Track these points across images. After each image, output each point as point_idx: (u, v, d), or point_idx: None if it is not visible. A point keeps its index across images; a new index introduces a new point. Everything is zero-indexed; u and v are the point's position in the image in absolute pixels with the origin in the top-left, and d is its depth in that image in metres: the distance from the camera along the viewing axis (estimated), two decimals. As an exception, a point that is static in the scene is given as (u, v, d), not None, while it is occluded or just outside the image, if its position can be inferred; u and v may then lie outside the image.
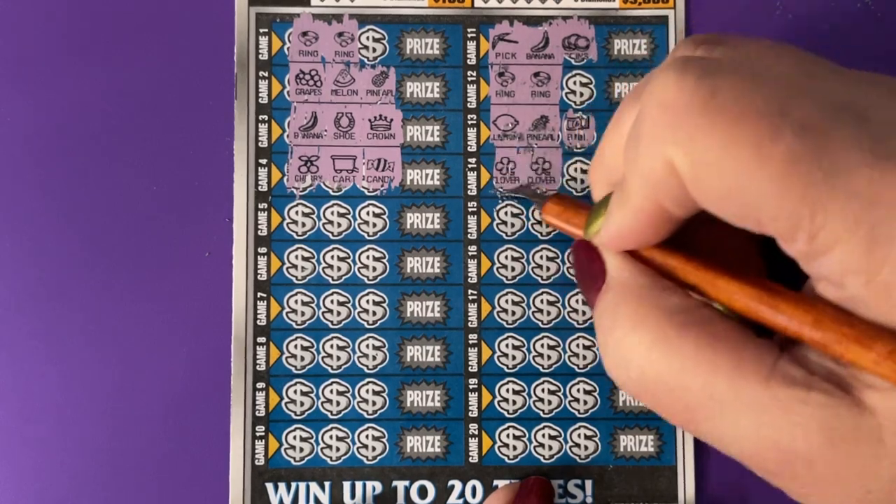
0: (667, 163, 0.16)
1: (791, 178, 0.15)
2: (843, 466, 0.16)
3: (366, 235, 0.28)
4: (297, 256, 0.28)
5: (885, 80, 0.17)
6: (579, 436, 0.28)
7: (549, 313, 0.28)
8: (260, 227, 0.28)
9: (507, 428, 0.28)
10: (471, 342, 0.28)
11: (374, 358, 0.28)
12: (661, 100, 0.16)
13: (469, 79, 0.29)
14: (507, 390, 0.28)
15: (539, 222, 0.28)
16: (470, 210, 0.28)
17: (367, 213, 0.28)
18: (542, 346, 0.28)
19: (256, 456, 0.27)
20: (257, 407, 0.28)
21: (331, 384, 0.28)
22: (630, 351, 0.18)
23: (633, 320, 0.18)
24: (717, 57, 0.17)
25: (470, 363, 0.28)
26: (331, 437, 0.28)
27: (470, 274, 0.28)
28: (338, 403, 0.28)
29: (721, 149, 0.15)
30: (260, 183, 0.28)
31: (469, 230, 0.28)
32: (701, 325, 0.17)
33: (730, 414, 0.17)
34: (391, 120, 0.29)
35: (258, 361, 0.28)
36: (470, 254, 0.28)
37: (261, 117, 0.28)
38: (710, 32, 0.23)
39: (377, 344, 0.28)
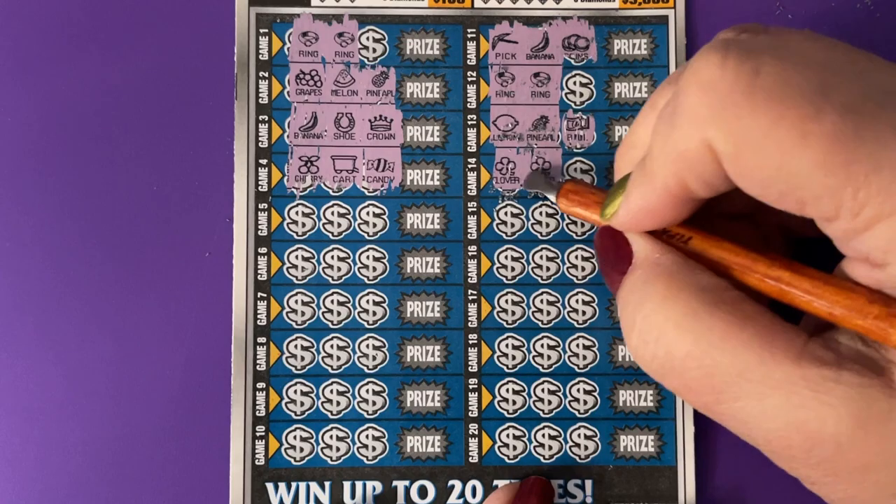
0: (704, 143, 0.16)
1: (834, 155, 0.15)
2: (873, 451, 0.15)
3: (366, 235, 0.28)
4: (297, 256, 0.28)
5: None
6: (579, 436, 0.28)
7: (549, 313, 0.28)
8: (260, 227, 0.28)
9: (507, 428, 0.28)
10: (471, 342, 0.28)
11: (374, 358, 0.28)
12: (703, 79, 0.16)
13: (469, 79, 0.29)
14: (507, 390, 0.28)
15: (539, 222, 0.28)
16: (470, 210, 0.28)
17: (367, 214, 0.28)
18: (542, 346, 0.28)
19: (256, 456, 0.27)
20: (257, 407, 0.28)
21: (331, 384, 0.28)
22: (659, 327, 0.18)
23: (664, 296, 0.18)
24: (759, 40, 0.17)
25: (470, 363, 0.28)
26: (331, 437, 0.28)
27: (470, 274, 0.28)
28: (338, 403, 0.28)
29: (764, 129, 0.15)
30: (260, 183, 0.28)
31: (469, 230, 0.28)
32: (731, 305, 0.17)
33: (758, 394, 0.16)
34: (391, 120, 0.29)
35: (258, 361, 0.28)
36: (470, 254, 0.28)
37: (261, 117, 0.28)
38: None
39: (377, 344, 0.28)
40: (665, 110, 0.18)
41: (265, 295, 0.28)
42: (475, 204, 0.28)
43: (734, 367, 0.17)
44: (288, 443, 0.28)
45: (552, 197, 0.25)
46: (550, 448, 0.28)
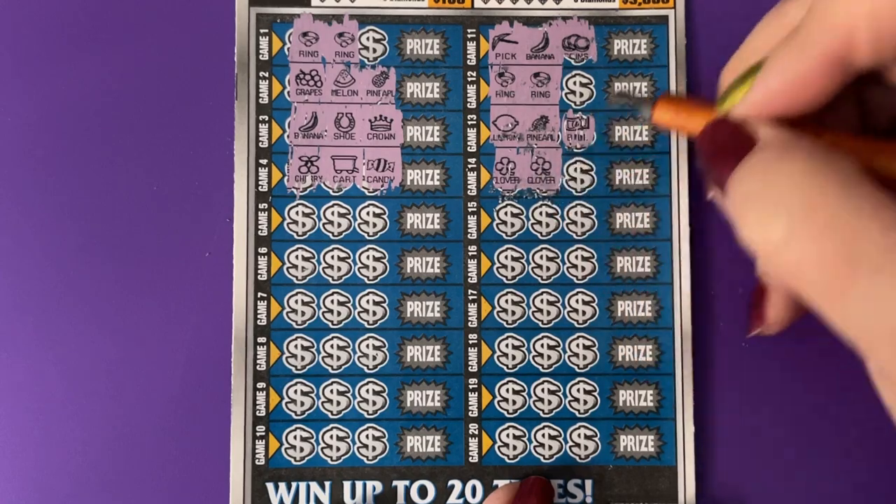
0: None
1: None
2: None
3: (366, 235, 0.28)
4: (297, 256, 0.28)
5: None
6: (579, 436, 0.28)
7: (548, 313, 0.28)
8: (260, 227, 0.28)
9: (507, 428, 0.28)
10: (471, 342, 0.28)
11: (374, 358, 0.28)
12: None
13: (469, 79, 0.29)
14: (507, 390, 0.28)
15: (539, 222, 0.28)
16: (470, 210, 0.28)
17: (368, 214, 0.28)
18: (542, 346, 0.28)
19: (257, 456, 0.27)
20: (257, 407, 0.28)
21: (331, 384, 0.28)
22: (800, 197, 0.17)
23: (804, 170, 0.17)
24: None
25: (470, 363, 0.28)
26: (331, 436, 0.28)
27: (470, 274, 0.28)
28: (338, 403, 0.28)
29: None
30: (260, 183, 0.28)
31: (469, 230, 0.28)
32: (871, 186, 0.16)
33: (888, 283, 0.15)
34: (391, 120, 0.29)
35: (258, 361, 0.28)
36: (470, 254, 0.28)
37: (261, 117, 0.28)
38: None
39: (377, 344, 0.28)
40: None
41: (265, 295, 0.28)
42: (475, 204, 0.28)
43: (882, 241, 0.16)
44: (288, 443, 0.28)
45: (645, 111, 0.23)
46: (550, 448, 0.28)
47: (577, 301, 0.28)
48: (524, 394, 0.28)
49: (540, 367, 0.28)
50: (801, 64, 0.18)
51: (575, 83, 0.29)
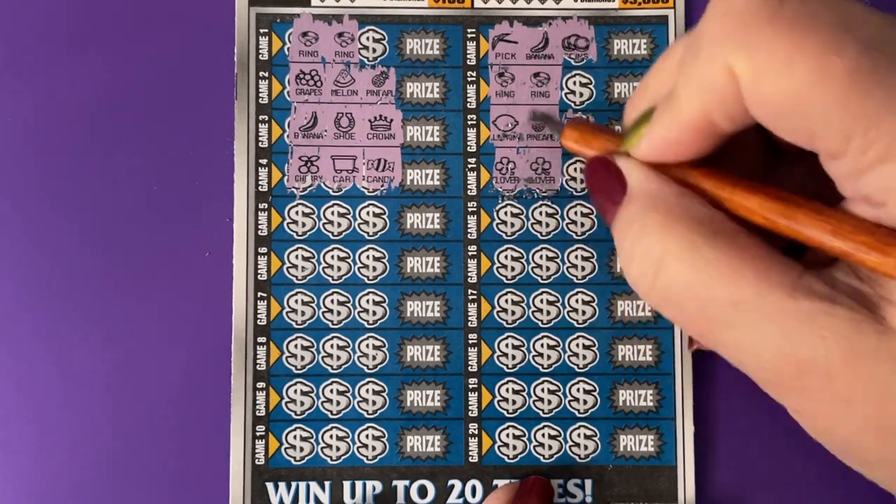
0: (726, 70, 0.16)
1: (851, 90, 0.15)
2: (860, 384, 0.16)
3: (366, 235, 0.28)
4: (297, 256, 0.28)
5: None
6: (579, 435, 0.28)
7: (548, 313, 0.28)
8: (260, 227, 0.28)
9: (507, 428, 0.28)
10: (471, 342, 0.28)
11: (374, 358, 0.28)
12: (729, 6, 0.16)
13: (469, 79, 0.29)
14: (507, 390, 0.28)
15: (539, 222, 0.28)
16: (470, 210, 0.28)
17: (367, 213, 0.28)
18: (542, 345, 0.28)
19: (256, 456, 0.27)
20: (257, 407, 0.28)
21: (331, 384, 0.28)
22: (658, 259, 0.18)
23: (664, 227, 0.18)
24: None
25: (470, 363, 0.28)
26: (331, 436, 0.28)
27: (470, 274, 0.28)
28: (338, 403, 0.28)
29: (785, 58, 0.15)
30: (260, 183, 0.28)
31: (469, 230, 0.28)
32: (729, 236, 0.18)
33: (752, 324, 0.17)
34: (391, 120, 0.29)
35: (258, 361, 0.28)
36: (470, 254, 0.28)
37: (261, 117, 0.28)
38: None
39: (377, 344, 0.28)
40: (690, 41, 0.18)
41: (265, 295, 0.28)
42: (475, 204, 0.28)
43: (730, 298, 0.17)
44: (288, 442, 0.28)
45: (556, 133, 0.25)
46: (550, 448, 0.28)
47: (577, 301, 0.28)
48: (524, 394, 0.28)
49: (540, 367, 0.28)
50: (673, 130, 0.19)
51: (575, 83, 0.29)
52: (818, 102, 0.15)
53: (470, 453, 0.28)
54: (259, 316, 0.28)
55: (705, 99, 0.17)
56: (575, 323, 0.28)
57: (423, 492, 0.28)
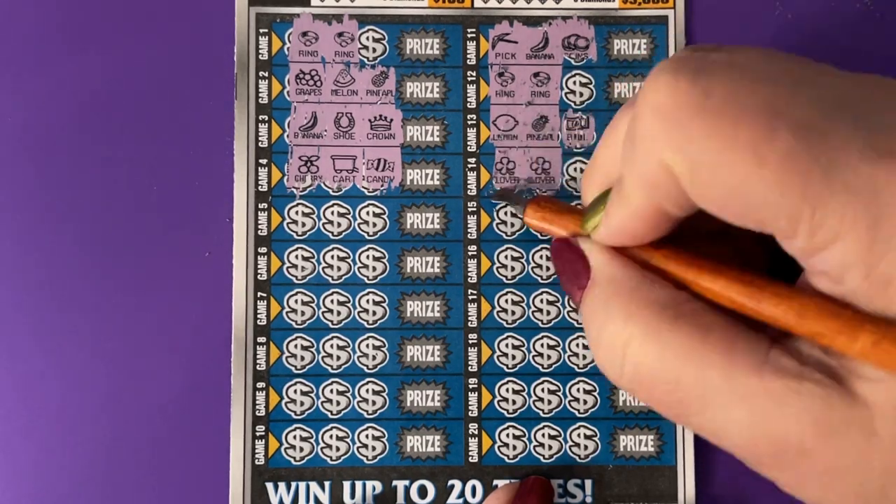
0: (663, 166, 0.16)
1: (789, 176, 0.15)
2: (835, 458, 0.16)
3: (366, 235, 0.28)
4: (297, 256, 0.28)
5: (881, 80, 0.17)
6: (579, 435, 0.28)
7: (548, 313, 0.28)
8: (260, 227, 0.28)
9: (507, 428, 0.28)
10: (471, 342, 0.28)
11: (374, 358, 0.28)
12: (655, 103, 0.16)
13: (469, 79, 0.29)
14: (507, 390, 0.28)
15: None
16: (470, 210, 0.28)
17: (367, 213, 0.28)
18: (542, 345, 0.28)
19: (256, 456, 0.27)
20: (257, 407, 0.28)
21: (331, 384, 0.28)
22: (624, 346, 0.18)
23: (626, 314, 0.18)
24: (711, 59, 0.17)
25: (470, 363, 0.28)
26: (331, 436, 0.28)
27: (470, 274, 0.28)
28: (338, 403, 0.28)
29: (717, 151, 0.15)
30: (260, 183, 0.28)
31: (469, 230, 0.28)
32: (692, 318, 0.17)
33: (722, 406, 0.17)
34: (391, 120, 0.29)
35: (258, 361, 0.28)
36: (470, 254, 0.28)
37: (261, 117, 0.28)
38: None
39: (377, 344, 0.28)
40: (627, 134, 0.18)
41: (265, 295, 0.28)
42: (475, 204, 0.28)
43: (697, 383, 0.17)
44: (288, 442, 0.28)
45: (519, 211, 0.25)
46: (550, 448, 0.28)
47: (576, 301, 0.28)
48: (524, 393, 0.28)
49: (540, 367, 0.28)
50: (626, 218, 0.19)
51: (575, 83, 0.29)
52: (759, 191, 0.15)
53: (470, 453, 0.28)
54: (259, 316, 0.28)
55: (650, 192, 0.17)
56: (575, 323, 0.28)
57: (423, 492, 0.28)
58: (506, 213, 0.28)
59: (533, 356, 0.28)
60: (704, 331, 0.17)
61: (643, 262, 0.19)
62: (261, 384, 0.28)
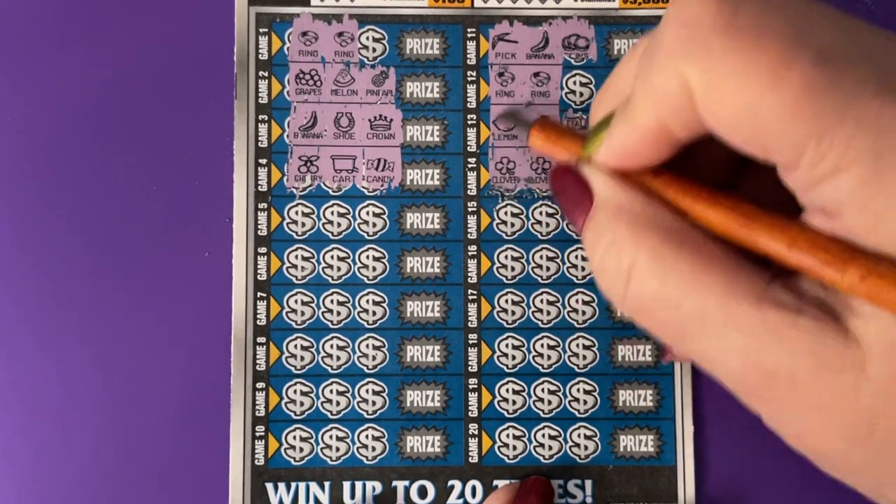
0: (680, 79, 0.16)
1: (803, 103, 0.15)
2: (824, 393, 0.16)
3: (366, 235, 0.28)
4: (297, 256, 0.28)
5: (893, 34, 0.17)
6: (579, 436, 0.28)
7: (548, 313, 0.28)
8: (260, 227, 0.28)
9: (507, 428, 0.28)
10: (471, 342, 0.28)
11: (374, 358, 0.28)
12: (683, 16, 0.16)
13: (469, 79, 0.29)
14: (507, 390, 0.28)
15: (539, 222, 0.28)
16: (470, 210, 0.28)
17: (367, 213, 0.28)
18: (542, 346, 0.28)
19: (256, 456, 0.27)
20: (257, 407, 0.28)
21: (331, 384, 0.28)
22: (628, 270, 0.18)
23: (631, 238, 0.18)
24: None
25: (470, 363, 0.28)
26: (331, 437, 0.28)
27: (470, 274, 0.28)
28: (338, 403, 0.28)
29: (737, 69, 0.16)
30: (260, 183, 0.28)
31: (469, 230, 0.28)
32: (695, 246, 0.18)
33: (720, 334, 0.17)
34: (391, 120, 0.29)
35: (258, 361, 0.28)
36: (470, 254, 0.28)
37: (261, 117, 0.28)
38: None
39: (377, 344, 0.28)
40: (646, 49, 0.18)
41: (265, 295, 0.28)
42: (475, 204, 0.28)
43: (697, 309, 0.17)
44: (288, 443, 0.28)
45: (524, 134, 0.24)
46: (550, 448, 0.28)
47: (576, 301, 0.28)
48: (524, 394, 0.28)
49: (540, 367, 0.28)
50: (630, 137, 0.19)
51: (575, 83, 0.29)
52: (770, 115, 0.15)
53: (470, 454, 0.28)
54: (259, 316, 0.28)
55: (660, 108, 0.17)
56: (575, 323, 0.28)
57: (423, 492, 0.28)
58: (506, 213, 0.28)
59: (533, 356, 0.28)
60: (707, 259, 0.17)
61: (643, 189, 0.19)
62: (261, 384, 0.28)
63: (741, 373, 0.17)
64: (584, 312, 0.28)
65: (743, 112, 0.16)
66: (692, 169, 0.19)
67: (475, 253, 0.28)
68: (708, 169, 0.21)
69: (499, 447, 0.28)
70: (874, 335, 0.16)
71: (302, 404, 0.28)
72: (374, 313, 0.28)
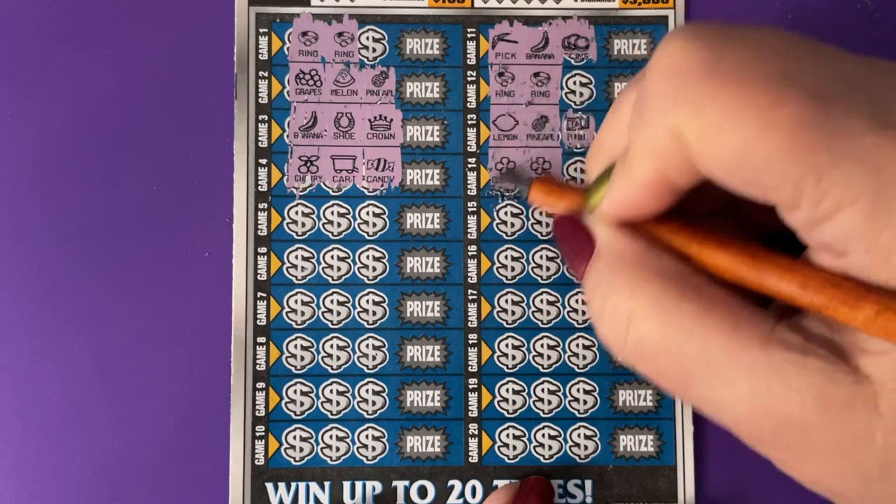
0: (672, 130, 0.16)
1: (797, 143, 0.15)
2: (837, 435, 0.16)
3: (366, 235, 0.28)
4: (297, 256, 0.28)
5: (890, 63, 0.17)
6: (579, 436, 0.28)
7: (548, 313, 0.28)
8: (260, 227, 0.28)
9: (507, 428, 0.28)
10: (471, 342, 0.28)
11: (374, 358, 0.28)
12: (668, 65, 0.16)
13: (469, 79, 0.29)
14: (507, 390, 0.28)
15: (539, 222, 0.28)
16: (470, 210, 0.28)
17: (367, 213, 0.28)
18: (542, 345, 0.28)
19: (256, 456, 0.27)
20: (257, 407, 0.28)
21: (331, 384, 0.28)
22: (627, 318, 0.18)
23: (631, 285, 0.18)
24: (724, 28, 0.17)
25: (470, 363, 0.28)
26: (331, 436, 0.28)
27: (470, 274, 0.28)
28: (338, 403, 0.28)
29: (727, 115, 0.15)
30: (260, 183, 0.28)
31: (469, 230, 0.28)
32: (697, 291, 0.17)
33: (725, 379, 0.17)
34: (391, 120, 0.29)
35: (258, 361, 0.28)
36: (470, 254, 0.28)
37: (261, 117, 0.28)
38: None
39: (377, 344, 0.28)
40: (636, 102, 0.18)
41: (265, 295, 0.28)
42: (475, 204, 0.28)
43: (702, 354, 0.17)
44: (288, 443, 0.28)
45: (525, 191, 0.25)
46: (550, 448, 0.28)
47: (576, 301, 0.28)
48: (524, 394, 0.28)
49: (540, 367, 0.28)
50: (630, 191, 0.19)
51: (575, 83, 0.29)
52: (765, 157, 0.15)
53: (470, 453, 0.28)
54: (259, 316, 0.28)
55: (657, 160, 0.17)
56: (575, 323, 0.28)
57: (423, 492, 0.28)
58: (506, 213, 0.28)
59: (533, 356, 0.28)
60: (709, 303, 0.17)
61: (647, 237, 0.19)
62: (261, 384, 0.28)
63: (749, 418, 0.17)
64: (583, 312, 0.28)
65: (738, 156, 0.16)
66: (693, 201, 0.19)
67: (475, 253, 0.28)
68: (708, 200, 0.21)
69: (499, 447, 0.28)
70: (886, 371, 0.15)
71: (302, 404, 0.28)
72: (374, 313, 0.28)
